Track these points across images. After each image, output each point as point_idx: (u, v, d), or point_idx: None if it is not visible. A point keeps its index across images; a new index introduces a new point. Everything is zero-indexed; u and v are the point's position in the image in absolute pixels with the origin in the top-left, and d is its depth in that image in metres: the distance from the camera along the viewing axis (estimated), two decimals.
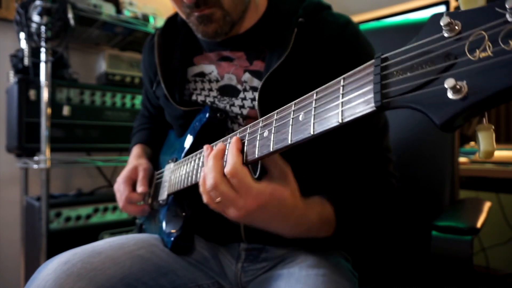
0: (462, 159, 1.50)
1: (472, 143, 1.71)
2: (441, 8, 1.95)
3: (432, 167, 1.01)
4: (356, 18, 2.20)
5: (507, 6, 0.28)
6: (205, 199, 0.58)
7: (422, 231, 0.90)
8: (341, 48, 0.70)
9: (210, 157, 0.57)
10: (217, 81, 0.80)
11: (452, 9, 1.90)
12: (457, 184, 1.02)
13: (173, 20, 0.90)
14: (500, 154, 1.47)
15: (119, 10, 1.80)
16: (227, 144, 0.58)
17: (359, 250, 0.87)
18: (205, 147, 0.62)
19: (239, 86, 0.77)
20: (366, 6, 2.32)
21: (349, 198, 0.69)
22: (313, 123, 0.44)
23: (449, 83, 0.31)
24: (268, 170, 0.56)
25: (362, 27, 1.14)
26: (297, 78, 0.70)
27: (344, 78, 0.42)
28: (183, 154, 0.80)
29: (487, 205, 0.96)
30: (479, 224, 0.77)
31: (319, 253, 0.74)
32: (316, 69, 0.70)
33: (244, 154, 0.54)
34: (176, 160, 0.83)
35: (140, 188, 0.85)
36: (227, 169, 0.53)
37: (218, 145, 0.59)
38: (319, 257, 0.72)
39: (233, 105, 0.77)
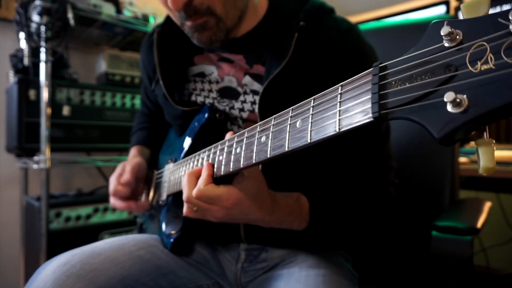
0: (462, 159, 1.50)
1: (472, 143, 1.70)
2: (441, 8, 1.95)
3: (432, 167, 1.01)
4: (356, 18, 2.20)
5: (510, 17, 0.27)
6: (184, 211, 0.64)
7: (422, 231, 0.89)
8: (343, 55, 0.69)
9: (186, 173, 0.63)
10: (217, 82, 0.79)
11: (452, 9, 1.89)
12: (457, 184, 1.02)
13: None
14: (500, 154, 1.47)
15: (119, 10, 1.80)
16: (217, 151, 0.62)
17: (359, 250, 0.87)
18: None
19: (239, 89, 0.77)
20: (366, 6, 2.32)
21: (331, 197, 0.69)
22: (310, 131, 0.43)
23: (448, 96, 0.30)
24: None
25: (362, 27, 1.14)
26: (298, 84, 0.69)
27: (342, 86, 0.41)
28: (182, 155, 0.80)
29: (487, 205, 0.96)
30: (479, 224, 0.76)
31: (319, 253, 0.74)
32: (318, 75, 0.69)
33: (242, 159, 0.54)
34: (176, 160, 0.82)
35: (123, 178, 0.84)
36: (194, 192, 0.59)
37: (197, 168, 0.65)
38: (319, 257, 0.72)
39: (232, 107, 0.77)
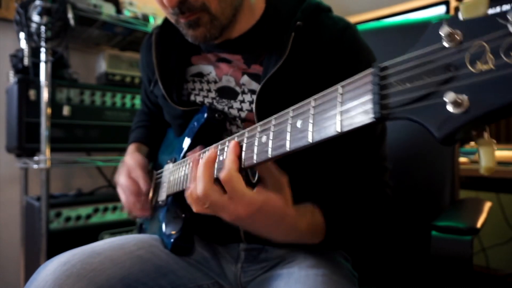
0: (462, 159, 1.50)
1: (472, 143, 1.71)
2: (441, 8, 1.95)
3: (432, 167, 1.01)
4: (356, 18, 2.20)
5: (509, 17, 0.27)
6: (194, 208, 0.58)
7: (422, 231, 0.89)
8: (340, 53, 0.70)
9: (201, 164, 0.56)
10: (215, 82, 0.79)
11: (452, 9, 1.89)
12: (457, 184, 1.02)
13: None
14: (500, 154, 1.47)
15: (119, 10, 1.80)
16: (225, 148, 0.58)
17: (359, 251, 0.87)
18: (189, 156, 0.61)
19: (237, 89, 0.77)
20: (366, 6, 2.32)
21: (340, 207, 0.69)
22: (312, 132, 0.43)
23: (449, 97, 0.30)
24: (263, 178, 0.56)
25: (362, 27, 1.14)
26: (295, 83, 0.69)
27: (342, 86, 0.41)
28: (181, 155, 0.80)
29: (487, 205, 0.96)
30: (479, 224, 0.76)
31: (319, 253, 0.74)
32: (315, 73, 0.70)
33: (242, 159, 0.53)
34: (175, 161, 0.82)
35: (144, 187, 0.84)
36: (222, 174, 0.52)
37: (210, 151, 0.59)
38: (319, 257, 0.72)
39: (231, 107, 0.77)
